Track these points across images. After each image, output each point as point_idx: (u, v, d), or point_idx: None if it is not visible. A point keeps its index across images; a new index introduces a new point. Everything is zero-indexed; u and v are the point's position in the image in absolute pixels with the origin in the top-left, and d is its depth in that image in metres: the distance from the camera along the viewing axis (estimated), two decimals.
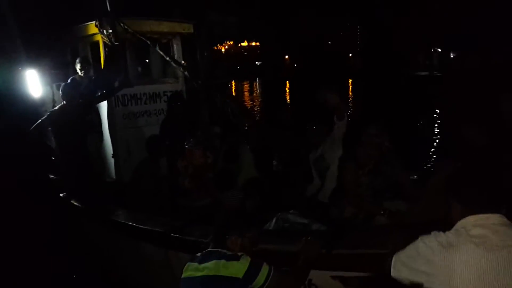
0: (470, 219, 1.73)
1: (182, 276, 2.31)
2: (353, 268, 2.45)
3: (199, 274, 2.22)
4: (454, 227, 1.77)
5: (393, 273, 1.89)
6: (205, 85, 5.41)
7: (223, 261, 2.20)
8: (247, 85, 35.20)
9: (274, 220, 3.19)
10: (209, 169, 4.64)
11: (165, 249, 3.45)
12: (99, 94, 5.41)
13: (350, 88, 30.48)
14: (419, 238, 1.80)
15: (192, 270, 2.28)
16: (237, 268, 2.16)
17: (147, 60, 6.46)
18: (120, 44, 5.46)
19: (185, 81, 6.16)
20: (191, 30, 6.36)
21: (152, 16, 6.11)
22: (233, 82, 32.13)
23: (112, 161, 5.63)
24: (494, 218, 1.71)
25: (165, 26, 6.18)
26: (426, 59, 39.51)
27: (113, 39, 5.37)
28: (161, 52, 5.65)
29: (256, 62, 51.14)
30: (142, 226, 3.81)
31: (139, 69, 6.59)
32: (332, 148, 3.78)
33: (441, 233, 1.75)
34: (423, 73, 33.24)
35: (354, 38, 50.52)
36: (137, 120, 5.79)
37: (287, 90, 30.27)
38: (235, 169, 4.63)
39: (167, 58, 5.62)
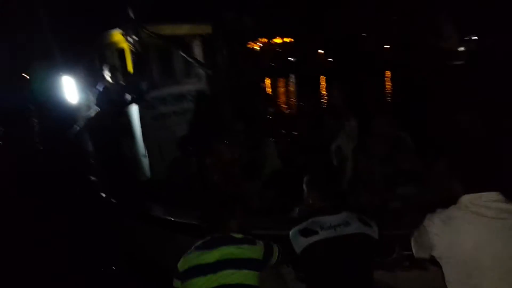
0: (467, 197, 1.99)
1: (188, 266, 2.40)
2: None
3: (214, 259, 2.35)
4: (457, 204, 2.03)
5: (415, 253, 2.18)
6: (227, 83, 5.71)
7: (245, 245, 2.41)
8: (281, 82, 35.05)
9: (297, 210, 3.48)
10: (236, 164, 4.94)
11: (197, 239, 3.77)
12: (129, 98, 5.79)
13: (387, 81, 29.79)
14: (426, 217, 2.08)
15: (199, 258, 2.39)
16: (258, 251, 2.43)
17: (170, 62, 6.78)
18: (145, 49, 5.82)
19: (208, 80, 6.44)
20: (210, 32, 6.66)
21: (173, 20, 6.43)
22: (267, 79, 32.20)
23: (145, 161, 6.00)
24: (488, 196, 1.96)
25: (185, 29, 6.50)
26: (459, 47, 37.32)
27: (138, 46, 5.74)
28: (184, 54, 5.95)
29: (290, 58, 50.29)
30: (178, 220, 4.16)
31: (164, 71, 6.92)
32: (347, 141, 4.03)
33: (443, 209, 2.04)
34: (459, 62, 31.60)
35: (390, 31, 48.66)
36: (166, 121, 6.13)
37: (321, 85, 29.99)
38: (260, 161, 4.92)
39: (190, 59, 5.91)
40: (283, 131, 5.67)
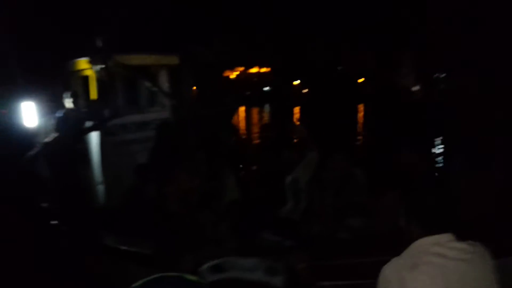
0: (428, 240, 1.96)
1: None
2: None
3: None
4: (413, 248, 1.98)
5: None
6: (191, 113, 5.78)
7: None
8: (256, 111, 35.32)
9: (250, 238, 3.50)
10: (195, 193, 4.93)
11: (151, 269, 3.71)
12: (90, 125, 5.75)
13: (362, 114, 30.51)
14: (383, 268, 1.97)
15: None
16: None
17: (135, 91, 6.82)
18: (110, 77, 5.85)
19: (172, 109, 6.51)
20: (176, 62, 6.79)
21: (140, 50, 6.53)
22: (242, 108, 32.44)
23: (101, 188, 5.91)
24: (446, 237, 1.97)
25: (152, 59, 6.60)
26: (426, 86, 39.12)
27: (103, 74, 5.77)
28: (149, 84, 6.01)
29: (265, 88, 51.04)
30: (130, 249, 4.08)
31: (128, 99, 6.94)
32: (305, 172, 4.13)
33: (402, 256, 1.97)
34: (421, 100, 32.98)
35: (366, 64, 50.46)
36: (127, 148, 6.09)
37: (293, 116, 30.37)
38: (219, 192, 4.93)
39: (155, 89, 5.98)
40: (244, 162, 5.73)
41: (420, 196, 2.17)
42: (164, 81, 6.70)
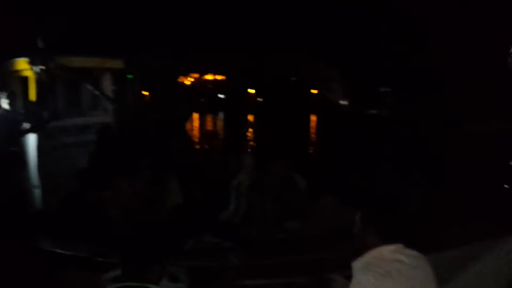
0: (389, 248, 2.11)
1: None
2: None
3: None
4: (375, 255, 2.12)
5: None
6: (136, 117, 5.75)
7: None
8: (209, 118, 35.08)
9: (191, 242, 3.58)
10: (136, 199, 4.91)
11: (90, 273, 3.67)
12: (27, 127, 5.56)
13: (314, 125, 31.02)
14: (356, 274, 2.09)
15: None
16: None
17: (77, 94, 6.67)
18: (51, 79, 5.70)
19: (114, 114, 6.43)
20: (121, 66, 6.74)
21: (83, 52, 6.42)
22: (196, 114, 32.04)
23: (37, 192, 5.70)
24: (401, 245, 2.14)
25: (95, 62, 6.51)
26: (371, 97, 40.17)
27: (44, 75, 5.61)
28: (90, 87, 5.92)
29: (220, 95, 50.80)
30: (67, 253, 4.01)
31: (69, 102, 6.77)
32: (246, 177, 4.28)
33: (368, 262, 2.10)
34: (373, 112, 34.13)
35: (320, 75, 51.46)
36: (66, 152, 5.95)
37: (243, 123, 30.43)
38: (161, 196, 4.95)
39: (97, 92, 5.90)
40: (190, 168, 5.76)
41: (379, 207, 2.37)
42: (107, 84, 6.62)
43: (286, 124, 22.92)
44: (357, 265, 2.14)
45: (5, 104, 5.62)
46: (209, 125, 31.71)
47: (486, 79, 20.53)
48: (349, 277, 2.97)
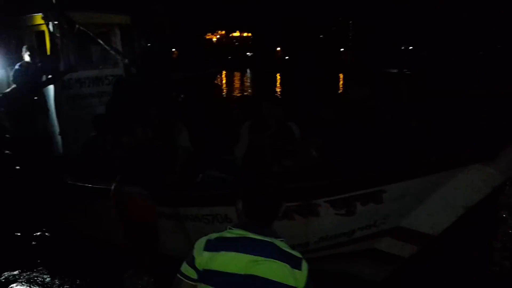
0: None
1: (209, 268, 1.84)
2: None
3: (244, 271, 1.79)
4: None
5: None
6: (142, 70, 6.27)
7: (296, 271, 1.80)
8: (237, 76, 35.03)
9: (201, 176, 4.28)
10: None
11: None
12: (46, 78, 6.11)
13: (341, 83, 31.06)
14: None
15: (242, 262, 1.80)
16: (301, 280, 1.81)
17: (89, 47, 7.13)
18: (64, 33, 6.17)
19: (124, 66, 6.92)
20: (128, 21, 7.19)
21: (93, 8, 6.84)
22: (223, 72, 32.05)
23: (59, 138, 6.35)
24: None
25: (104, 18, 6.95)
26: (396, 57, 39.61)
27: (57, 30, 6.09)
28: (101, 42, 6.36)
29: (248, 53, 49.95)
30: (92, 186, 4.74)
31: (82, 55, 7.25)
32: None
33: None
34: (393, 71, 33.97)
35: (346, 33, 50.26)
36: (82, 102, 6.53)
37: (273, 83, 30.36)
38: (172, 143, 5.60)
39: (107, 47, 6.35)
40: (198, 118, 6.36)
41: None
42: (116, 39, 7.08)
43: (309, 81, 23.09)
44: None
45: (26, 57, 6.11)
46: (236, 82, 31.70)
47: None
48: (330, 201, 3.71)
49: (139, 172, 4.04)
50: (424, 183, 3.45)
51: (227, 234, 1.90)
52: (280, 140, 4.47)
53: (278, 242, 1.86)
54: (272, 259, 1.80)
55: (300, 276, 1.81)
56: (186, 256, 1.94)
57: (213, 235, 1.91)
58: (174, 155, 5.20)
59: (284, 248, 1.85)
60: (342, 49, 48.47)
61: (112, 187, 4.04)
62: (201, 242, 1.91)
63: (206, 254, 1.85)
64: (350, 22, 48.00)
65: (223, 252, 1.82)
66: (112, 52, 6.47)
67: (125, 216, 4.01)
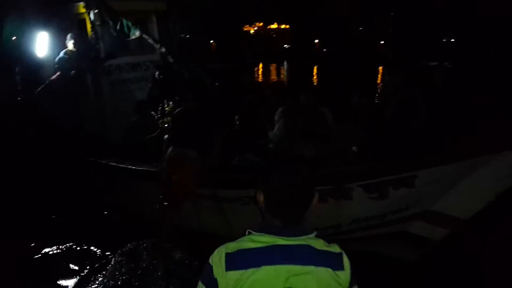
0: None
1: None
2: None
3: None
4: None
5: None
6: (178, 58, 6.48)
7: (339, 272, 1.55)
8: (274, 68, 35.04)
9: (237, 158, 4.51)
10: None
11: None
12: (88, 65, 6.42)
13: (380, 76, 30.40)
14: None
15: (277, 278, 1.49)
16: (345, 280, 1.57)
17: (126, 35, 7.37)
18: (103, 22, 6.43)
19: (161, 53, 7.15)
20: (164, 8, 7.39)
21: None
22: (260, 64, 32.24)
23: (100, 121, 6.68)
24: None
25: (141, 5, 7.19)
26: (436, 49, 38.44)
27: (98, 18, 6.36)
28: (141, 32, 6.50)
29: (285, 45, 49.56)
30: (137, 168, 5.03)
31: (120, 42, 7.51)
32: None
33: None
34: (433, 63, 33.12)
35: (386, 26, 48.91)
36: (121, 86, 6.82)
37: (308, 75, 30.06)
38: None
39: (145, 36, 6.53)
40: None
41: None
42: (153, 26, 7.31)
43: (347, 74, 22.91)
44: None
45: (70, 44, 6.42)
46: (273, 75, 31.67)
47: None
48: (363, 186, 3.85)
49: (192, 138, 4.35)
50: (456, 168, 3.54)
51: (249, 243, 1.53)
52: (313, 124, 4.62)
53: (313, 242, 1.56)
54: (311, 266, 1.51)
55: (343, 276, 1.54)
56: (200, 275, 1.58)
57: (231, 246, 1.54)
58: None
59: (321, 248, 1.55)
60: (382, 42, 46.83)
61: (169, 150, 4.40)
62: (219, 258, 1.52)
63: (232, 274, 1.49)
64: (392, 14, 46.47)
65: (252, 270, 1.48)
66: (150, 41, 6.66)
67: (173, 176, 4.29)
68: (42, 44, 6.64)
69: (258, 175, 1.63)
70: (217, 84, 6.99)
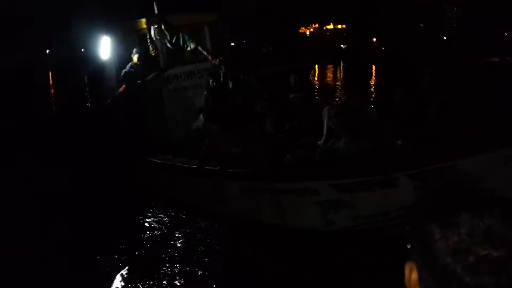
0: None
1: None
2: None
3: None
4: None
5: None
6: (230, 67, 7.03)
7: None
8: (330, 69, 35.19)
9: (289, 156, 5.03)
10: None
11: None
12: (151, 76, 7.11)
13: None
14: None
15: None
16: None
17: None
18: (163, 35, 7.11)
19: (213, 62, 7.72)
20: (215, 19, 8.01)
21: (185, 11, 7.76)
22: (316, 65, 32.60)
23: (163, 126, 7.36)
24: None
25: (195, 18, 7.83)
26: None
27: (158, 33, 7.06)
28: (197, 46, 7.08)
29: (342, 45, 49.11)
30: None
31: (175, 52, 8.17)
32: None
33: None
34: (495, 59, 31.90)
35: (449, 21, 47.18)
36: (180, 94, 7.48)
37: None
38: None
39: (201, 49, 7.10)
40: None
41: None
42: (206, 36, 7.92)
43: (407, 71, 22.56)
44: None
45: (135, 58, 7.15)
46: (329, 75, 31.59)
47: None
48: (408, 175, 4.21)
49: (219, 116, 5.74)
50: (496, 157, 3.82)
51: None
52: (357, 121, 5.04)
53: None
54: None
55: None
56: None
57: None
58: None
59: None
60: (444, 38, 44.66)
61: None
62: None
63: None
64: (455, 8, 44.47)
65: None
66: (205, 53, 7.20)
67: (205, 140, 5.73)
68: (105, 48, 7.46)
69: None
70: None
